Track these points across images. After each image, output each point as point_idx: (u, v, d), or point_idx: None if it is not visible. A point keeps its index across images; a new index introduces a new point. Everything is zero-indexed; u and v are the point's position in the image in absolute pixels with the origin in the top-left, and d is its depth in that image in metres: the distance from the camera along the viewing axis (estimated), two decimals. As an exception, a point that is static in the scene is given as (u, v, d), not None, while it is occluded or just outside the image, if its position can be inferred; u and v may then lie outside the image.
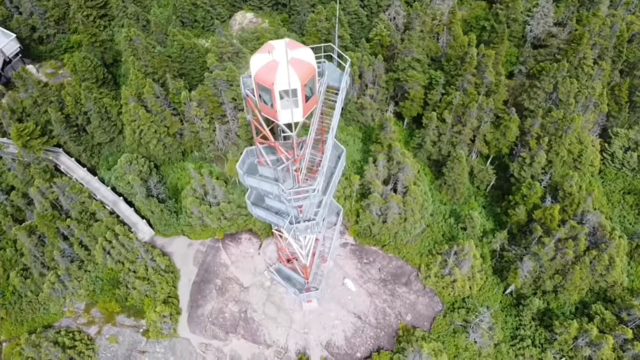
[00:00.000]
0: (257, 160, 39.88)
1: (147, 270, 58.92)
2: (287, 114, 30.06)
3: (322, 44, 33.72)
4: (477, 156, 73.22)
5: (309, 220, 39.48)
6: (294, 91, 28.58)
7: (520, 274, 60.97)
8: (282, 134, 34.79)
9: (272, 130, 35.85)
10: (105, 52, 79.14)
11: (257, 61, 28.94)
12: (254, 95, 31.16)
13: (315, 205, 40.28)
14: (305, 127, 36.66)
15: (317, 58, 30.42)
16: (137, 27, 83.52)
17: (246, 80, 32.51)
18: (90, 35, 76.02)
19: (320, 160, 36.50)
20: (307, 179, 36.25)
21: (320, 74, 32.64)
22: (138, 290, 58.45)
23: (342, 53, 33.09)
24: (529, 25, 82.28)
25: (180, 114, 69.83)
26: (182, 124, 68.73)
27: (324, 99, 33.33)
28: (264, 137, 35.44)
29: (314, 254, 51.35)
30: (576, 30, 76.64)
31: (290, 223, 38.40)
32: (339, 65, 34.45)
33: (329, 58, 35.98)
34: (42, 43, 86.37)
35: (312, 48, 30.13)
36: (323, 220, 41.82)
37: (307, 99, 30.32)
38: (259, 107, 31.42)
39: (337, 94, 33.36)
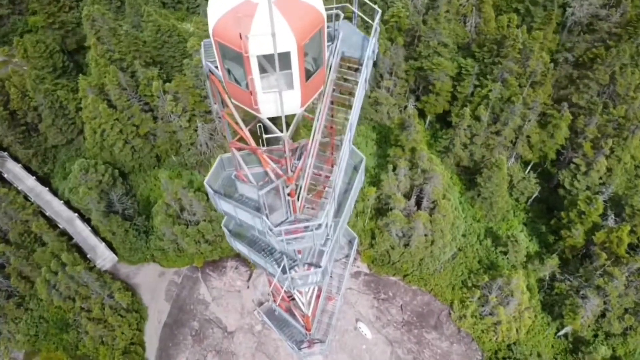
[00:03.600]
0: (235, 174, 26.90)
1: (104, 309, 45.87)
2: (273, 100, 16.79)
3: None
4: (516, 162, 60.00)
5: (311, 265, 26.34)
6: (285, 58, 15.32)
7: (582, 314, 47.75)
8: (266, 135, 21.32)
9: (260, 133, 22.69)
10: (67, 36, 66.18)
11: (220, 4, 15.78)
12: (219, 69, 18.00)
13: (321, 239, 27.10)
14: (305, 124, 23.46)
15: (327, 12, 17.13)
16: (111, 8, 70.72)
17: (209, 45, 19.23)
18: (48, 15, 63.10)
19: (328, 177, 23.48)
20: (308, 207, 23.00)
21: (331, 37, 19.43)
22: (91, 336, 45.43)
23: (367, 1, 19.83)
24: (571, 7, 68.94)
25: (154, 110, 56.91)
26: (155, 123, 55.72)
27: (335, 78, 20.20)
28: (242, 140, 22.36)
29: (318, 296, 38.15)
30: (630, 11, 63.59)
31: (284, 271, 25.22)
32: (361, 26, 21.36)
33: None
34: (-6, 26, 73.47)
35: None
36: (331, 262, 28.66)
37: (308, 74, 17.07)
38: (226, 88, 18.30)
39: (358, 69, 20.19)
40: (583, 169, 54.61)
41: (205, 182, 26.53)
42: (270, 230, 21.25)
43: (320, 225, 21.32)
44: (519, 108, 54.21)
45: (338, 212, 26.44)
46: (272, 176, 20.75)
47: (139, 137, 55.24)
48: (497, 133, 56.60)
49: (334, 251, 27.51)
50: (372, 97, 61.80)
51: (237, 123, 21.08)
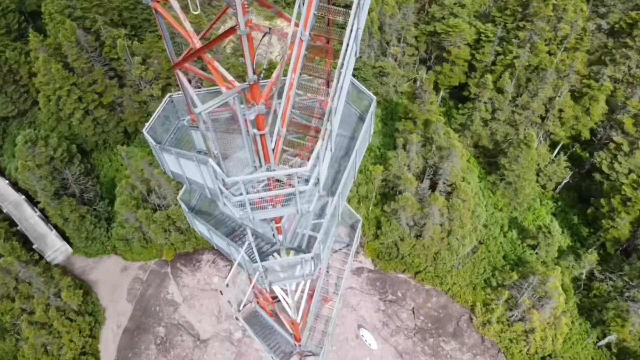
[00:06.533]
0: (189, 119, 18.59)
1: (48, 311, 37.38)
2: None
3: None
4: (545, 142, 51.77)
5: (297, 251, 17.86)
6: None
7: (633, 320, 39.47)
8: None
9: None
10: (25, -4, 57.84)
11: None
12: None
13: (312, 214, 18.54)
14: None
15: None
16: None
17: None
18: (2, -31, 54.72)
19: (322, 112, 15.02)
20: (289, 152, 14.47)
21: None
22: (32, 344, 36.93)
23: None
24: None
25: (123, 78, 48.55)
26: (121, 90, 47.34)
27: None
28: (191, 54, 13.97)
29: (310, 297, 29.65)
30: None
31: (252, 259, 16.70)
32: None
33: None
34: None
35: None
36: (327, 247, 20.08)
37: None
38: None
39: None
40: (625, 148, 46.41)
41: (144, 131, 18.09)
42: (224, 183, 12.78)
43: (308, 178, 12.87)
44: (550, 75, 45.98)
45: (337, 176, 18.05)
46: (225, 90, 12.22)
47: (102, 107, 46.88)
48: (525, 107, 48.36)
49: (332, 230, 19.20)
50: (377, 67, 53.47)
51: (174, 17, 12.75)
